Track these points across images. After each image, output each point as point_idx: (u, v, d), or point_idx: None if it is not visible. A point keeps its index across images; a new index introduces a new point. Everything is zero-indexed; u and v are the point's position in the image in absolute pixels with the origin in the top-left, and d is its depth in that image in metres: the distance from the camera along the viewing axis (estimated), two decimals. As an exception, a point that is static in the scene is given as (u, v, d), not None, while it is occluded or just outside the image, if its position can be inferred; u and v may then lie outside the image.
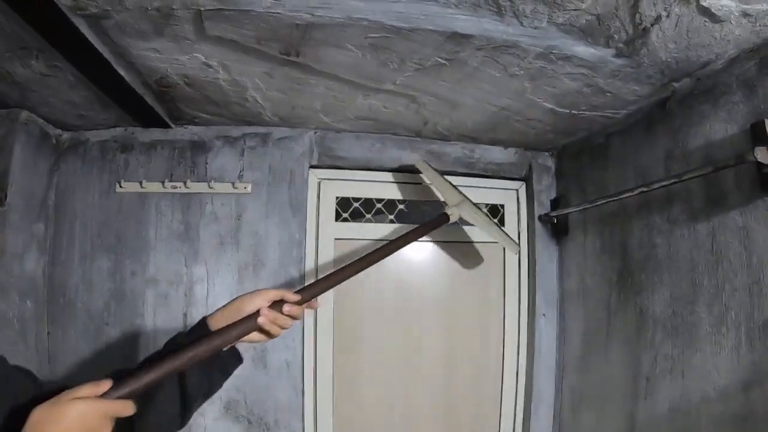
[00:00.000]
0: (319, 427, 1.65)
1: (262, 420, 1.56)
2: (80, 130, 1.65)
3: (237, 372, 1.52)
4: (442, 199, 1.58)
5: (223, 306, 0.88)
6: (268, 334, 0.86)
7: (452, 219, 1.41)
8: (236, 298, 0.88)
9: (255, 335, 0.85)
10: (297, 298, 0.89)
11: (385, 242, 1.22)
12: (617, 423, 1.44)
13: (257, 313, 0.83)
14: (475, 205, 1.48)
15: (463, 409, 1.78)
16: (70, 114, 1.53)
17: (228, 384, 1.50)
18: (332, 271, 1.04)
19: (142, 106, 1.44)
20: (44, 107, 1.49)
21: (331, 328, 1.68)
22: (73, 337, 1.57)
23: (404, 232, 1.73)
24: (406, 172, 1.78)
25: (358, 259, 1.10)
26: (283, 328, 0.86)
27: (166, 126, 1.61)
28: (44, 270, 1.59)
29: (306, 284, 0.97)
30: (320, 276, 1.72)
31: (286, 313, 0.86)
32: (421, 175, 1.73)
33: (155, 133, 1.64)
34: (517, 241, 1.70)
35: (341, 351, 1.69)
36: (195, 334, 0.85)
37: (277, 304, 0.86)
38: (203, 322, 0.87)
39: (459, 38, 1.05)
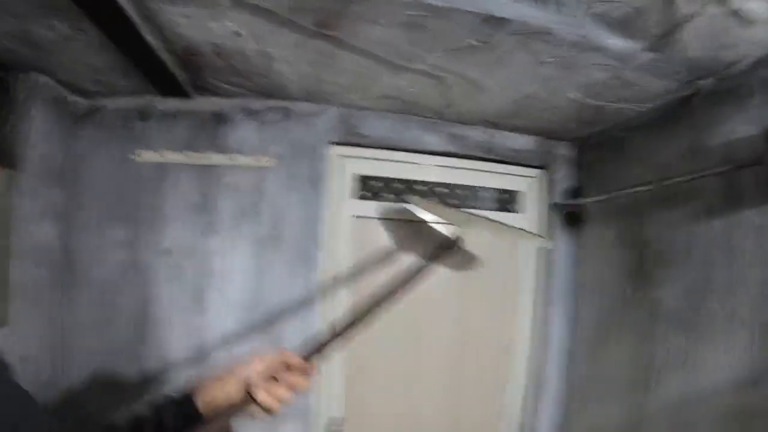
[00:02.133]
0: (327, 405, 1.78)
1: (272, 397, 1.66)
2: (98, 97, 1.72)
3: (249, 346, 1.64)
4: (445, 225, 1.64)
5: (214, 377, 0.84)
6: (268, 411, 0.81)
7: (461, 241, 1.40)
8: (228, 369, 0.85)
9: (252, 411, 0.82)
10: (299, 361, 0.86)
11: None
12: (624, 413, 1.55)
13: (250, 391, 0.80)
14: (489, 219, 1.51)
15: (470, 391, 1.91)
16: (90, 80, 1.60)
17: (240, 358, 1.63)
18: (345, 321, 0.99)
19: (165, 74, 1.49)
20: (64, 72, 1.55)
21: (344, 308, 1.78)
22: (86, 306, 1.66)
23: (422, 213, 1.86)
24: (426, 154, 1.88)
25: (376, 300, 1.07)
26: (280, 400, 0.81)
27: (187, 96, 1.68)
28: (59, 238, 1.67)
29: (311, 344, 0.91)
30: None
31: (286, 381, 0.82)
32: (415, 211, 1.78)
33: (175, 103, 1.71)
34: (546, 237, 1.72)
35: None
36: (180, 413, 0.80)
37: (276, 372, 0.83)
38: (189, 399, 0.82)
39: (495, 21, 1.12)
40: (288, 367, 0.83)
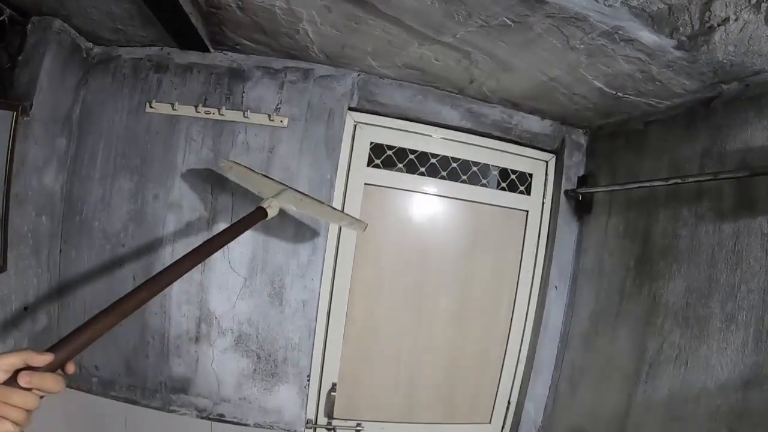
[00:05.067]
0: (325, 369, 1.90)
1: (270, 356, 1.78)
2: (113, 45, 1.76)
3: (251, 306, 1.74)
4: (257, 193, 1.58)
5: None
6: (12, 422, 0.67)
7: (271, 213, 1.37)
8: None
9: None
10: (47, 359, 0.70)
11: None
12: (614, 401, 1.68)
13: None
14: (301, 192, 1.47)
15: (466, 369, 2.05)
16: (107, 27, 1.63)
17: (241, 317, 1.75)
18: (112, 304, 0.85)
19: (186, 26, 1.53)
20: (79, 17, 1.58)
21: (349, 273, 1.90)
22: (86, 256, 1.74)
23: (435, 186, 1.98)
24: (442, 128, 1.97)
25: (150, 279, 0.95)
26: (25, 409, 0.67)
27: (205, 50, 1.73)
28: (63, 186, 1.73)
29: (67, 334, 0.76)
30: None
31: (26, 386, 0.67)
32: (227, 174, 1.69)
33: (192, 56, 1.76)
34: (364, 222, 1.59)
35: (356, 297, 1.93)
36: None
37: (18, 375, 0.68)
38: None
39: (533, 2, 1.18)
40: (32, 368, 0.69)
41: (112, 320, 0.82)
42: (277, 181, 1.47)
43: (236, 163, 1.54)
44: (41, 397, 0.70)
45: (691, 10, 1.11)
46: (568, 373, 1.96)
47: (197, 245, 1.09)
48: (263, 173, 1.53)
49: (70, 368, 0.75)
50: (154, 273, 1.66)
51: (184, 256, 1.02)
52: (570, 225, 2.04)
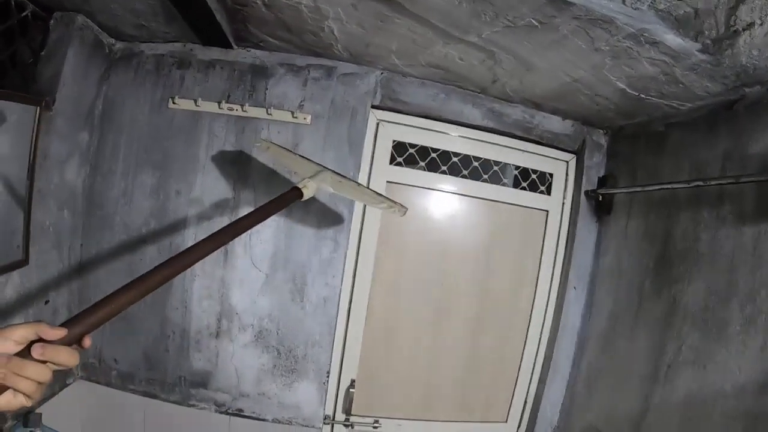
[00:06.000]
0: (344, 366, 1.97)
1: (291, 352, 1.85)
2: (135, 41, 1.83)
3: (272, 302, 1.80)
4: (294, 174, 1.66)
5: None
6: (24, 395, 0.67)
7: (307, 194, 1.33)
8: None
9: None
10: (60, 333, 0.70)
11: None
12: (631, 403, 1.72)
13: None
14: (339, 174, 1.46)
15: (484, 367, 2.12)
16: (129, 23, 1.69)
17: (262, 313, 1.81)
18: (133, 280, 0.82)
19: (209, 23, 1.59)
20: (102, 14, 1.64)
21: (370, 271, 1.96)
22: (107, 251, 1.81)
23: (456, 184, 2.04)
24: (464, 127, 2.02)
25: (175, 257, 0.93)
26: (38, 381, 0.67)
27: (228, 46, 1.79)
28: (84, 181, 1.80)
29: (84, 309, 0.75)
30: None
31: (39, 358, 0.67)
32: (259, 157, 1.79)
33: (215, 53, 1.82)
34: (404, 206, 1.54)
35: (377, 295, 1.99)
36: None
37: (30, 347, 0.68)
38: None
39: (560, 4, 1.23)
40: (45, 341, 0.69)
41: (131, 297, 0.80)
42: (315, 162, 1.47)
43: (273, 143, 1.58)
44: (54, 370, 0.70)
45: (716, 14, 1.16)
46: (586, 374, 2.01)
47: (224, 226, 1.06)
48: (300, 154, 1.55)
49: (87, 342, 0.75)
50: (176, 268, 1.77)
51: (211, 235, 1.01)
52: (589, 226, 2.09)
